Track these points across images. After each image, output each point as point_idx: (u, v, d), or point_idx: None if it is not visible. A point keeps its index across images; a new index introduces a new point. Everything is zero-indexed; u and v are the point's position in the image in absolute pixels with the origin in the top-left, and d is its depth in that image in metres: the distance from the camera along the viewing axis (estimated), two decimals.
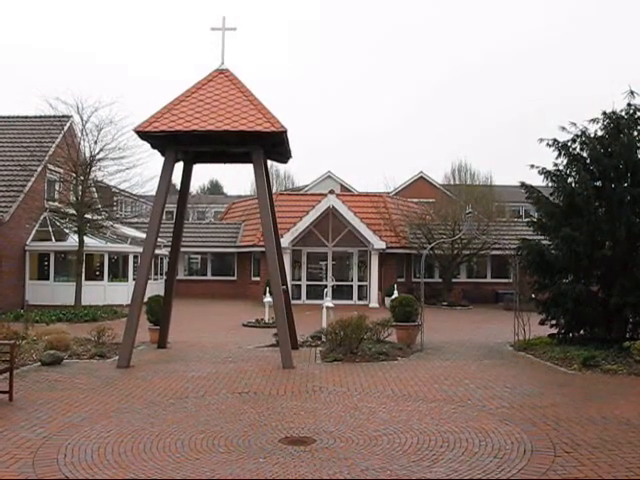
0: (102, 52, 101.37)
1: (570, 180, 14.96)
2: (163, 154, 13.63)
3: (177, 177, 15.47)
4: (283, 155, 14.82)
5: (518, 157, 73.28)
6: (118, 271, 27.57)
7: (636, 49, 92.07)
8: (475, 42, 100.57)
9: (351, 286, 30.02)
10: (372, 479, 5.94)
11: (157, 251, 22.87)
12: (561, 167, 15.03)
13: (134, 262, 26.80)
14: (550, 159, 15.25)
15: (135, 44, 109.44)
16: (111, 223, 25.84)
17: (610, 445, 6.97)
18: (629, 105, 14.50)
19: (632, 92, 14.44)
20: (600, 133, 14.78)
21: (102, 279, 26.41)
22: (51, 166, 25.67)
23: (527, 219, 20.85)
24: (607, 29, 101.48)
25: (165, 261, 27.81)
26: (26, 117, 28.13)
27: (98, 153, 22.85)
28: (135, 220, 30.29)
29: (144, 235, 15.92)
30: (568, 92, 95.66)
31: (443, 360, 13.16)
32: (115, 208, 29.48)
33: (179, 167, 14.60)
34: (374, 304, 28.16)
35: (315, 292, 28.36)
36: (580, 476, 6.00)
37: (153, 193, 14.37)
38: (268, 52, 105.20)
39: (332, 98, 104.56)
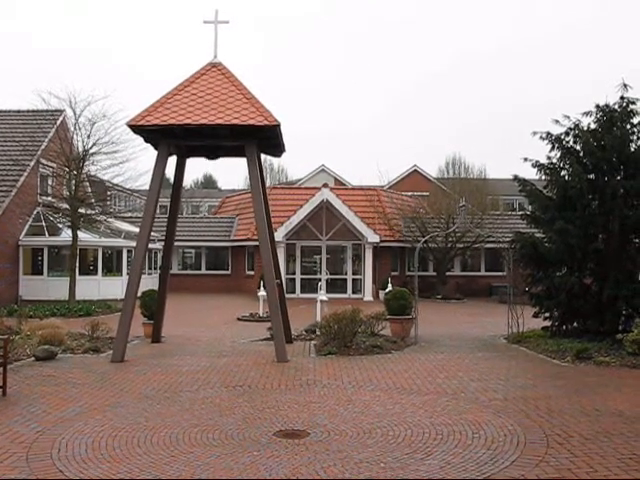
0: (96, 49, 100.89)
1: (563, 173, 14.99)
2: (156, 148, 13.60)
3: (171, 171, 15.46)
4: (277, 149, 14.80)
5: (512, 150, 73.39)
6: (112, 265, 27.55)
7: (635, 49, 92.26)
8: (470, 35, 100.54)
9: (345, 280, 30.03)
10: (366, 472, 5.96)
11: (151, 245, 22.84)
12: (554, 160, 15.06)
13: (128, 256, 26.77)
14: (544, 152, 15.29)
15: (131, 41, 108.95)
16: (105, 217, 25.76)
17: (602, 437, 7.02)
18: (622, 98, 14.51)
19: (625, 85, 14.47)
20: (593, 126, 14.78)
21: (96, 274, 26.37)
22: (44, 160, 25.56)
23: (521, 212, 20.89)
24: (606, 28, 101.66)
25: (159, 255, 27.77)
26: (18, 111, 27.91)
27: (91, 147, 22.76)
28: (129, 214, 30.23)
29: (138, 229, 15.89)
30: (566, 88, 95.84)
31: (437, 353, 13.20)
32: (109, 202, 29.40)
33: (172, 161, 14.59)
34: (368, 297, 28.22)
35: (309, 286, 28.34)
36: (572, 467, 6.03)
37: (147, 187, 14.33)
38: (261, 45, 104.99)
39: (327, 91, 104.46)
